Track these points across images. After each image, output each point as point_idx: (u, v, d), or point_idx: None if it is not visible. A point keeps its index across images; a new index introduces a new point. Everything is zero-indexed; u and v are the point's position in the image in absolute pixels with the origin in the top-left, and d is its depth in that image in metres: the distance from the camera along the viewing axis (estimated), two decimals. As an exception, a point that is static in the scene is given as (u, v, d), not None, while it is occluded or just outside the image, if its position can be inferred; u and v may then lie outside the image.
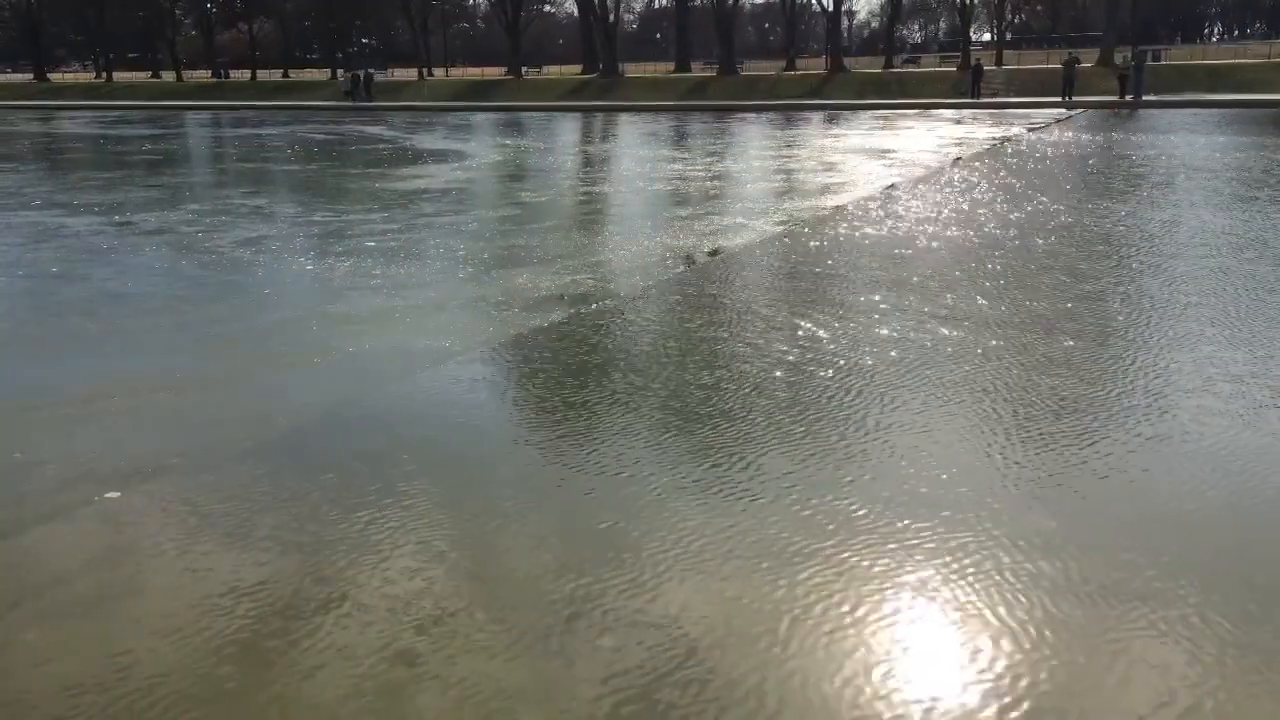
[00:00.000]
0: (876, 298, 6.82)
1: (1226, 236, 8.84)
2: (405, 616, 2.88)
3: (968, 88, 40.88)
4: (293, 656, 2.71)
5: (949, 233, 9.37)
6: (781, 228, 9.88)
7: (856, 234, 9.46)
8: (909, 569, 3.10)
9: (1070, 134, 21.98)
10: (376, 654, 2.70)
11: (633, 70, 62.96)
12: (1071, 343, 5.58)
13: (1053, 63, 48.49)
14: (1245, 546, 3.25)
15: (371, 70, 55.11)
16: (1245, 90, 37.78)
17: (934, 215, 10.49)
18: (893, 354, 5.43)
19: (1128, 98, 35.56)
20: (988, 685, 2.53)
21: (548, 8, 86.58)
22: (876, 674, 2.58)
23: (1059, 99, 36.34)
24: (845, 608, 2.90)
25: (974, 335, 5.78)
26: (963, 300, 6.68)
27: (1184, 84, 40.51)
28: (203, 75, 71.06)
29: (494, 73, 66.22)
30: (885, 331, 5.91)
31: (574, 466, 3.96)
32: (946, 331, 5.87)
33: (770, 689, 2.52)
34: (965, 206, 11.12)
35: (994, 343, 5.61)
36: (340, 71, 56.79)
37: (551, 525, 3.44)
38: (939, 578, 3.05)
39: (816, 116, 32.79)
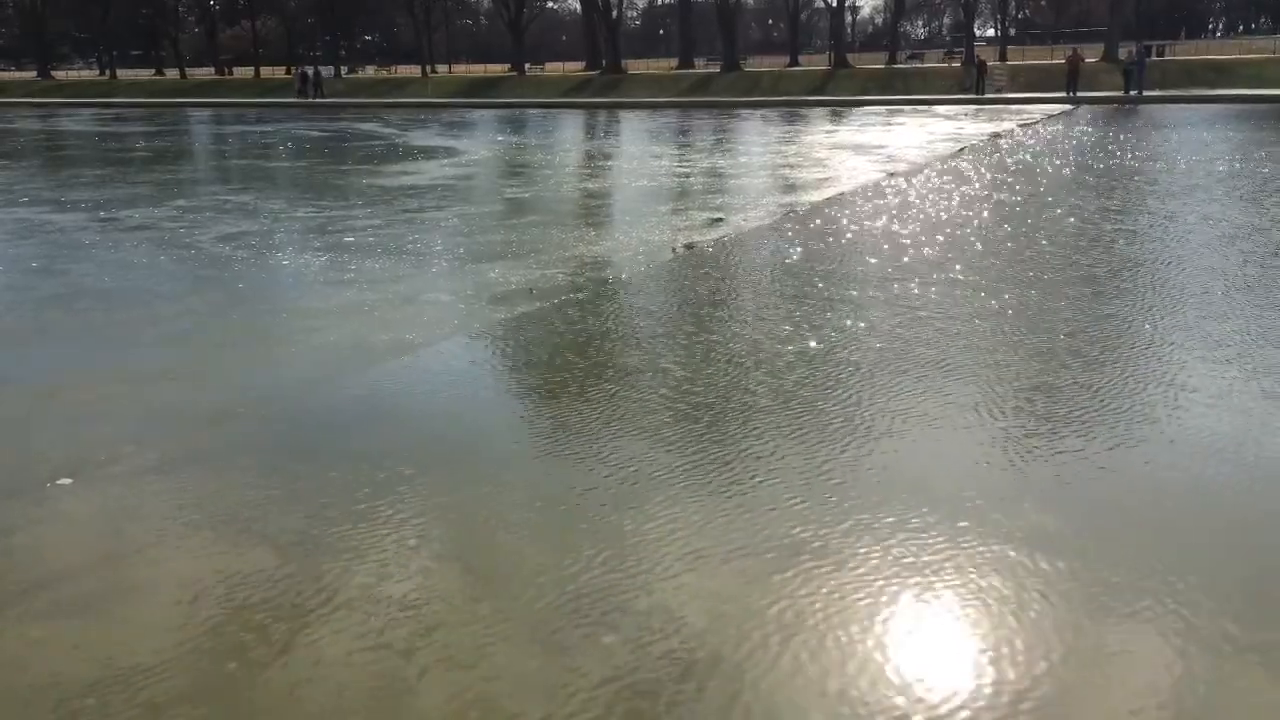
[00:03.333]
0: (852, 291, 6.89)
1: (1171, 221, 8.94)
2: (385, 608, 2.94)
3: (971, 83, 40.81)
4: (249, 647, 2.77)
5: (911, 227, 9.44)
6: (757, 223, 9.95)
7: (827, 229, 9.53)
8: (900, 562, 3.10)
9: (1059, 130, 21.96)
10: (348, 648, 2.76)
11: (636, 67, 62.95)
12: (987, 323, 5.64)
13: (1056, 58, 48.37)
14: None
15: (320, 68, 55.38)
16: (1249, 85, 37.67)
17: (902, 210, 10.55)
18: (835, 343, 5.50)
19: (1131, 93, 35.51)
20: (987, 682, 2.51)
21: (550, 4, 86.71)
22: (877, 670, 2.57)
23: (1063, 94, 36.28)
24: (843, 602, 2.91)
25: (908, 321, 5.84)
26: (910, 290, 6.74)
27: (1188, 79, 40.39)
28: (206, 72, 71.23)
29: (497, 69, 66.29)
30: (849, 321, 5.98)
31: (524, 455, 4.04)
32: (879, 314, 5.95)
33: (768, 687, 2.52)
34: (935, 202, 11.18)
35: (929, 325, 5.68)
36: (326, 69, 56.71)
37: (499, 514, 3.50)
38: (931, 570, 3.07)
39: (816, 113, 32.81)
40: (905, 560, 3.10)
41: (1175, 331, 5.66)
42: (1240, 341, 5.43)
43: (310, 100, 47.43)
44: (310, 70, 52.10)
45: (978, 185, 12.60)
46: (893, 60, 58.62)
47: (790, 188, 12.86)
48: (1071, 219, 9.76)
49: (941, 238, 8.86)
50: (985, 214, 10.21)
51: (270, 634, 2.77)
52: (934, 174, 13.94)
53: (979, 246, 8.46)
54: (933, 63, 59.05)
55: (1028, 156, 16.10)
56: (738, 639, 2.70)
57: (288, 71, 69.37)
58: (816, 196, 11.86)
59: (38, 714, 2.46)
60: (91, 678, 2.58)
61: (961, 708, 2.42)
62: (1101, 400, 4.52)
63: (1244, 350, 5.27)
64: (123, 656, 2.67)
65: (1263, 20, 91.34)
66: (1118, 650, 2.63)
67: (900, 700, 2.45)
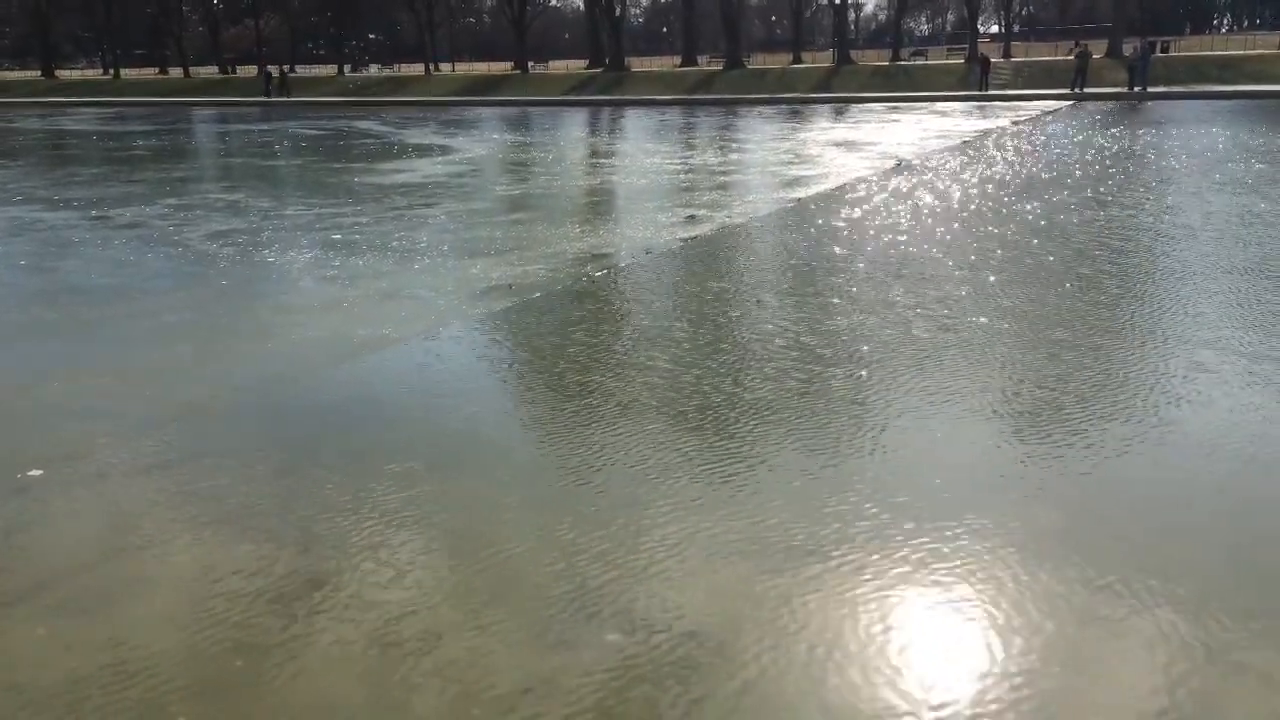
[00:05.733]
0: (824, 287, 6.96)
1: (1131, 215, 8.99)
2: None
3: (975, 80, 40.74)
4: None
5: (886, 223, 9.52)
6: (743, 219, 10.01)
7: (804, 226, 9.60)
8: (892, 558, 3.12)
9: (1050, 127, 21.94)
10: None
11: (639, 64, 63.05)
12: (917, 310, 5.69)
13: (1061, 54, 48.34)
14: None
15: (285, 67, 56.06)
16: (1255, 81, 37.54)
17: (880, 207, 10.63)
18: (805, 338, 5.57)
19: (1135, 89, 35.45)
20: (989, 681, 2.53)
21: (554, 2, 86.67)
22: (879, 667, 2.58)
23: (1067, 91, 36.23)
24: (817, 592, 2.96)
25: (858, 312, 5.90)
26: (872, 287, 6.81)
27: (1193, 75, 40.29)
28: (210, 71, 71.36)
29: (500, 68, 66.37)
30: (819, 315, 6.06)
31: (500, 445, 4.09)
32: (844, 306, 6.01)
33: (770, 685, 2.52)
34: (912, 198, 11.25)
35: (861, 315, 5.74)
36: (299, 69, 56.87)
37: (490, 507, 3.56)
38: (923, 565, 3.09)
39: (817, 110, 32.83)
40: (897, 556, 3.14)
41: (1099, 309, 5.72)
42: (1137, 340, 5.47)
43: (275, 100, 48.08)
44: (275, 70, 52.87)
45: (956, 182, 12.64)
46: (896, 57, 58.57)
47: (777, 185, 12.90)
48: (1036, 210, 9.89)
49: (911, 232, 8.93)
50: (958, 209, 10.27)
51: (262, 630, 2.80)
52: (917, 171, 14.00)
53: (947, 240, 8.53)
54: (936, 59, 58.97)
55: (1010, 154, 16.13)
56: (742, 636, 2.72)
57: (291, 70, 69.46)
58: (801, 194, 11.92)
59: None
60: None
61: (962, 705, 2.42)
62: (1031, 375, 4.58)
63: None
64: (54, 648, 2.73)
65: (1267, 15, 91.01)
66: (1117, 648, 2.64)
67: (902, 698, 2.45)
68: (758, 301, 6.53)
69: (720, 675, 2.55)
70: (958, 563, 3.05)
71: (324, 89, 55.40)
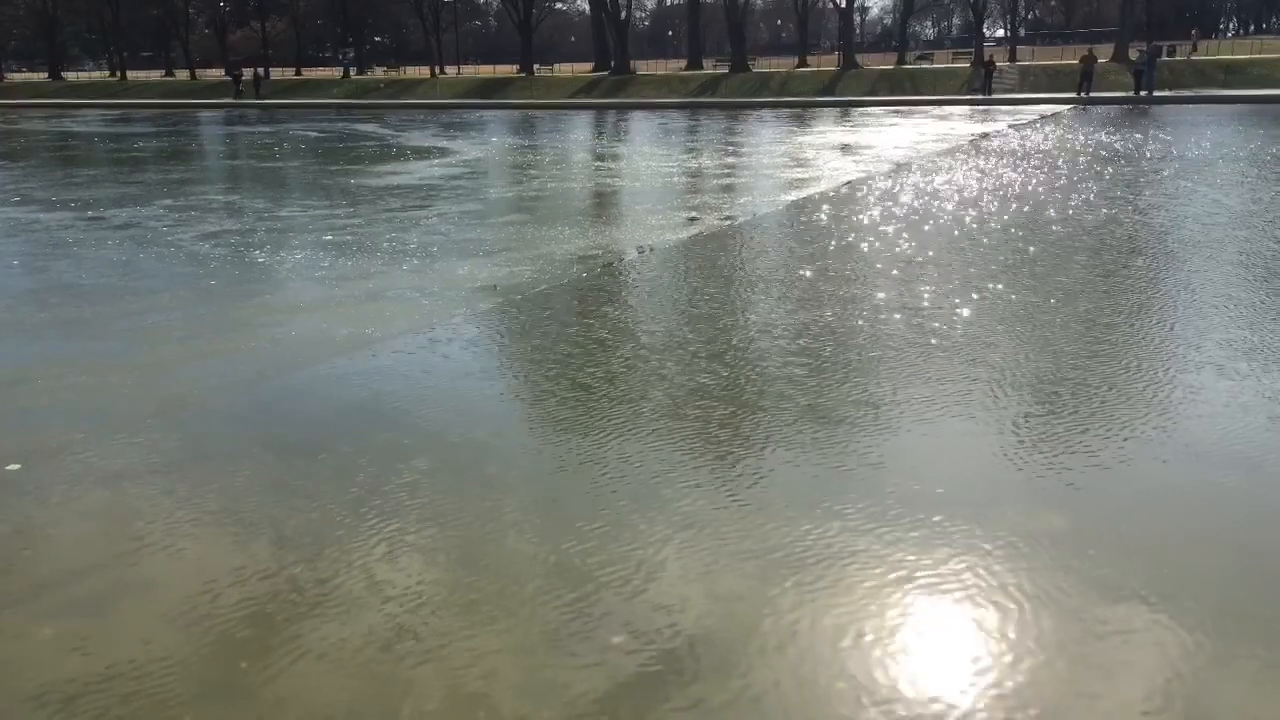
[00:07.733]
0: (807, 287, 7.00)
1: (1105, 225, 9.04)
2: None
3: (980, 84, 40.70)
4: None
5: (867, 225, 9.57)
6: (729, 223, 10.06)
7: (789, 229, 9.67)
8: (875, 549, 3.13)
9: (1047, 131, 21.93)
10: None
11: (645, 68, 63.09)
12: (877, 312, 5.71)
13: (1067, 58, 48.33)
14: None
15: (256, 70, 56.96)
16: (1261, 85, 37.50)
17: (865, 210, 10.69)
18: (792, 338, 5.59)
19: (1142, 93, 35.43)
20: (993, 683, 2.52)
21: (560, 5, 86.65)
22: (879, 671, 2.57)
23: (1073, 95, 36.21)
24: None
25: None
26: (849, 286, 6.85)
27: (1200, 80, 40.27)
28: (217, 73, 71.54)
29: (506, 70, 66.49)
30: (798, 316, 6.09)
31: (462, 452, 4.12)
32: (822, 311, 6.02)
33: (769, 687, 2.51)
34: (895, 202, 11.30)
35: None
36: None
37: (488, 511, 3.59)
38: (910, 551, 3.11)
39: (819, 114, 32.88)
40: (889, 553, 3.15)
41: (1072, 308, 5.74)
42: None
43: (246, 101, 48.74)
44: (248, 72, 54.27)
45: (943, 184, 12.68)
46: (901, 60, 58.55)
47: (770, 188, 12.95)
48: (1022, 212, 9.95)
49: (897, 233, 8.97)
50: (943, 211, 10.31)
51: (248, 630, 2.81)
52: (908, 174, 14.05)
53: (930, 240, 8.56)
54: (942, 63, 58.93)
55: (1003, 157, 16.17)
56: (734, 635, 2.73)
57: (297, 73, 69.69)
58: (793, 196, 11.97)
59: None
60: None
61: (964, 709, 2.41)
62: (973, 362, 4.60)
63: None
64: None
65: (1274, 19, 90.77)
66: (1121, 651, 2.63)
67: (904, 702, 2.44)
68: (741, 299, 6.56)
69: (728, 680, 2.54)
70: (952, 560, 3.08)
71: (321, 92, 55.55)
